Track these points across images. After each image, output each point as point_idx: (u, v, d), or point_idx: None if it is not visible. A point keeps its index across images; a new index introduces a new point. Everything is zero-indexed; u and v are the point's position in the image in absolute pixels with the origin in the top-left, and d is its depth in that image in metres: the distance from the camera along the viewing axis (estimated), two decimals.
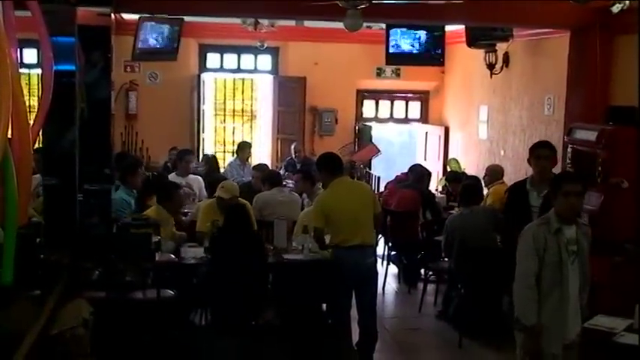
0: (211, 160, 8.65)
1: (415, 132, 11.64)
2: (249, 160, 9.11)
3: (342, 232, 4.93)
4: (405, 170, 7.92)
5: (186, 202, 6.78)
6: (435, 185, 9.18)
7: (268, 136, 10.85)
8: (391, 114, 11.34)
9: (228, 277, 4.86)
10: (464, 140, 10.05)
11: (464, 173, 8.45)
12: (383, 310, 6.39)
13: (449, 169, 9.41)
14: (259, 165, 8.22)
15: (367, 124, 10.94)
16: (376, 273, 5.14)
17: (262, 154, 10.92)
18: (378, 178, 9.81)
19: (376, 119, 11.21)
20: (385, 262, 7.35)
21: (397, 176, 8.14)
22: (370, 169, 10.44)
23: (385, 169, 10.73)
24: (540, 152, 4.55)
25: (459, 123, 10.34)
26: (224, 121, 11.29)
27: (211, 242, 5.16)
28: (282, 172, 8.81)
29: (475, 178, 7.42)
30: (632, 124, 5.64)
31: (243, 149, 8.94)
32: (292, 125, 10.56)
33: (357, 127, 10.85)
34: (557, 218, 3.52)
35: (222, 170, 8.93)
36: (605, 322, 3.66)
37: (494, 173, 7.41)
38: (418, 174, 7.65)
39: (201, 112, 10.51)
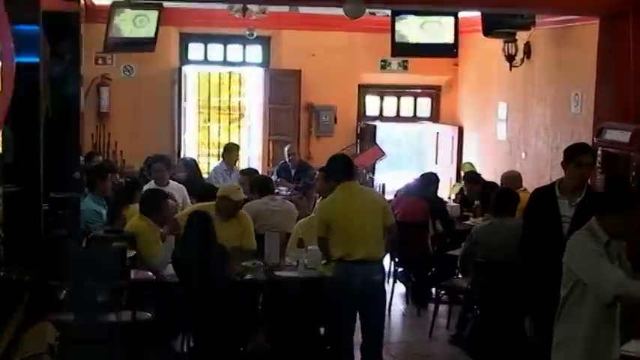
0: (191, 165, 8.63)
1: (425, 132, 11.65)
2: (237, 164, 9.11)
3: (346, 244, 4.93)
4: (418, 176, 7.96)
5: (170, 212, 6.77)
6: (448, 193, 9.19)
7: (258, 137, 10.85)
8: (398, 112, 11.35)
9: (200, 296, 4.86)
10: (480, 141, 10.06)
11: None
12: (389, 335, 6.37)
13: (463, 174, 9.42)
14: (248, 170, 8.21)
15: (370, 123, 10.95)
16: (383, 292, 5.15)
17: (252, 157, 10.92)
18: (383, 185, 9.81)
19: (381, 118, 11.22)
20: (391, 280, 7.34)
21: (408, 184, 8.14)
22: (374, 174, 10.44)
23: (391, 175, 10.72)
24: (583, 159, 4.43)
25: (474, 122, 10.35)
26: (208, 120, 11.29)
27: (172, 256, 5.22)
28: (274, 177, 8.81)
29: (494, 185, 7.43)
30: None
31: (230, 152, 8.94)
32: (286, 125, 10.57)
33: (359, 127, 10.86)
34: (603, 231, 3.46)
35: (205, 176, 8.93)
36: (638, 347, 3.66)
37: (513, 180, 7.42)
38: (425, 179, 7.68)
39: (183, 111, 10.50)
